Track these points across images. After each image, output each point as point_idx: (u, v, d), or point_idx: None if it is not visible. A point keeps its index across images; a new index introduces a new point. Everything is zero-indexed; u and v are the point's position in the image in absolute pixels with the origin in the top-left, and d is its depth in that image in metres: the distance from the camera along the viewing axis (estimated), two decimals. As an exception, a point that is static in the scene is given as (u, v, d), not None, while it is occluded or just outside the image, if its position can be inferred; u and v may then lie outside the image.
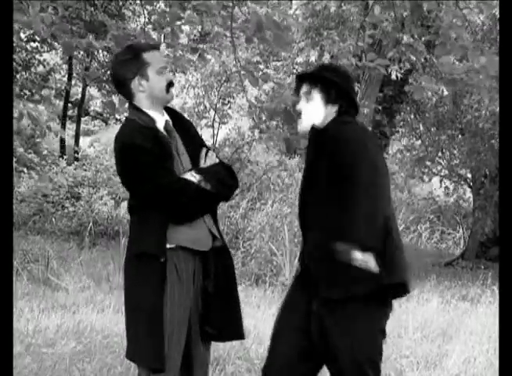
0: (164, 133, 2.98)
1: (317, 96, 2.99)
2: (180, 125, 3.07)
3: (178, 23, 4.89)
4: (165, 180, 2.86)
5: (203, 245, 2.98)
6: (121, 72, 2.97)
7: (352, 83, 3.11)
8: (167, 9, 5.41)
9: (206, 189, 2.91)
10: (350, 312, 2.82)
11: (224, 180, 2.99)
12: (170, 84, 2.98)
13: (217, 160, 3.03)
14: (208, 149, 3.07)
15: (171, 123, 3.04)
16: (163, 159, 2.89)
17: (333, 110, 2.99)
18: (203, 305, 2.99)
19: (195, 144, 3.07)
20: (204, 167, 2.99)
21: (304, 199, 2.96)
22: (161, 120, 3.00)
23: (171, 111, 3.10)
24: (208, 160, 3.02)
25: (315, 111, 2.99)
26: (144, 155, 2.85)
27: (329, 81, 2.98)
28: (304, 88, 3.02)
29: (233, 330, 3.06)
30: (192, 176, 2.92)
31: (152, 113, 2.98)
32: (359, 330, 2.83)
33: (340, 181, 2.79)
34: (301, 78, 3.08)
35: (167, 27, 4.85)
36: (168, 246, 2.89)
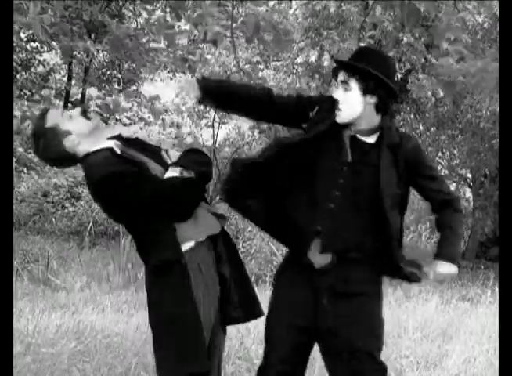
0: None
1: (355, 86, 2.85)
2: (133, 144, 3.12)
3: (170, 31, 4.90)
4: (154, 186, 2.89)
5: (215, 228, 3.03)
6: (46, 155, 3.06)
7: (393, 69, 2.99)
8: (167, 12, 5.42)
9: (190, 176, 2.94)
10: (363, 301, 2.90)
11: (198, 160, 3.03)
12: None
13: (177, 153, 3.07)
14: (166, 150, 3.12)
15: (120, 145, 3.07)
16: (138, 172, 2.91)
17: (371, 100, 2.87)
18: (221, 289, 3.00)
19: (155, 153, 3.11)
20: (176, 160, 3.03)
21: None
22: (115, 146, 3.04)
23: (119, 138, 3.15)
24: (172, 156, 3.06)
25: (353, 102, 2.85)
26: (121, 179, 2.87)
27: (365, 69, 2.83)
28: (342, 77, 2.88)
29: (254, 308, 3.10)
30: (173, 172, 2.95)
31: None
32: (372, 318, 2.93)
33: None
34: (339, 65, 2.94)
35: (157, 34, 4.87)
36: (188, 246, 2.90)
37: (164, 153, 3.10)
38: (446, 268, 2.98)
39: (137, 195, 2.85)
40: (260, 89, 3.12)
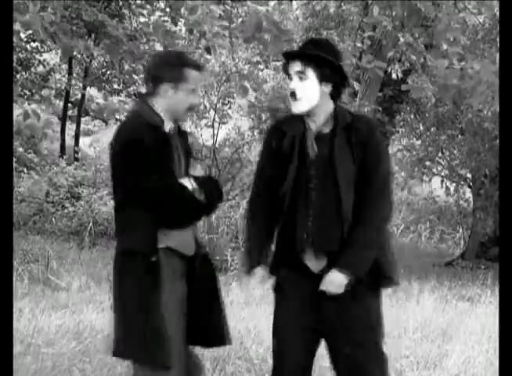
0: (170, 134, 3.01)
1: (312, 75, 2.89)
2: (180, 132, 3.11)
3: (168, 35, 4.92)
4: (166, 182, 2.89)
5: (188, 250, 3.01)
6: (161, 70, 2.99)
7: (341, 57, 3.04)
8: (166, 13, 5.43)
9: (199, 199, 2.94)
10: (364, 295, 2.95)
11: (215, 191, 3.04)
12: (191, 108, 3.01)
13: (202, 172, 3.09)
14: (194, 158, 3.11)
15: (174, 127, 3.06)
16: (166, 159, 2.91)
17: (327, 88, 2.92)
18: (188, 310, 3.01)
19: (189, 152, 3.13)
20: (199, 176, 3.03)
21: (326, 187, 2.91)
22: (167, 124, 3.01)
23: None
24: (196, 169, 3.07)
25: (311, 91, 2.89)
26: (149, 152, 2.85)
27: (322, 58, 2.88)
28: (297, 67, 2.91)
29: (216, 337, 3.09)
30: (190, 183, 2.94)
31: (163, 115, 3.00)
32: (369, 313, 2.98)
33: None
34: (291, 56, 2.97)
35: (155, 36, 4.88)
36: (160, 246, 2.90)
37: (192, 160, 3.11)
38: (335, 276, 2.88)
39: (150, 177, 2.85)
40: (258, 214, 3.10)
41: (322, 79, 2.89)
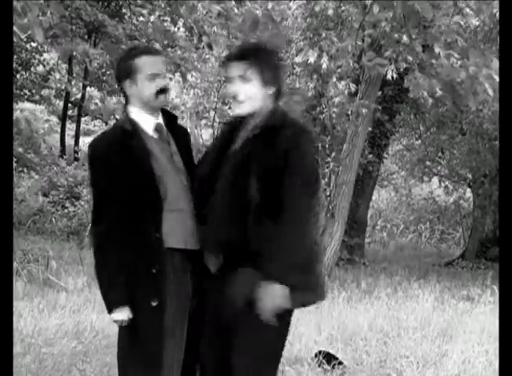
0: (150, 135, 2.98)
1: (254, 78, 2.84)
2: (173, 130, 3.08)
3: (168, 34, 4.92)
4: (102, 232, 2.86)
5: (193, 244, 2.96)
6: (116, 73, 3.07)
7: (280, 60, 3.03)
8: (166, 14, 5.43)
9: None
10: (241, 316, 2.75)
11: None
12: (161, 91, 2.97)
13: None
14: None
15: (162, 125, 3.04)
16: (133, 165, 2.87)
17: (269, 92, 2.87)
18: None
19: (186, 151, 3.08)
20: None
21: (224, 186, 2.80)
22: (151, 122, 3.01)
23: (168, 115, 3.12)
24: None
25: (254, 93, 2.85)
26: (109, 165, 2.85)
27: (262, 60, 2.85)
28: (239, 70, 2.85)
29: None
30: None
31: (142, 114, 3.00)
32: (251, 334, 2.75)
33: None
34: (233, 58, 2.92)
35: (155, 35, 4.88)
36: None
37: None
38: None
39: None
40: None
41: (265, 83, 2.85)
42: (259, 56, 2.86)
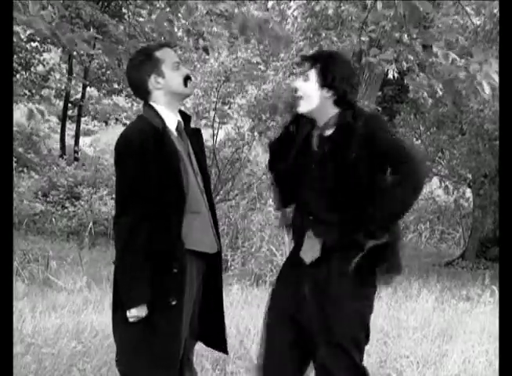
0: (175, 134, 2.96)
1: (313, 77, 3.00)
2: (188, 130, 3.06)
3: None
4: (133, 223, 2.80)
5: (210, 248, 2.99)
6: (137, 75, 2.96)
7: (352, 70, 3.09)
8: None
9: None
10: (343, 289, 2.92)
11: None
12: (187, 78, 2.97)
13: None
14: None
15: (182, 124, 3.02)
16: (165, 160, 2.85)
17: (326, 95, 2.98)
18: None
19: (203, 150, 3.10)
20: None
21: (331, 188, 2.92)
22: (174, 120, 2.98)
23: (183, 114, 3.09)
24: None
25: (310, 92, 2.99)
26: (144, 155, 2.80)
27: (324, 64, 2.99)
28: (304, 69, 3.05)
29: (219, 341, 3.10)
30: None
31: (167, 112, 2.96)
32: (350, 315, 2.94)
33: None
34: (304, 58, 3.10)
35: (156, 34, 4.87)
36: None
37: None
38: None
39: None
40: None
41: (323, 84, 2.98)
42: (324, 60, 3.02)
